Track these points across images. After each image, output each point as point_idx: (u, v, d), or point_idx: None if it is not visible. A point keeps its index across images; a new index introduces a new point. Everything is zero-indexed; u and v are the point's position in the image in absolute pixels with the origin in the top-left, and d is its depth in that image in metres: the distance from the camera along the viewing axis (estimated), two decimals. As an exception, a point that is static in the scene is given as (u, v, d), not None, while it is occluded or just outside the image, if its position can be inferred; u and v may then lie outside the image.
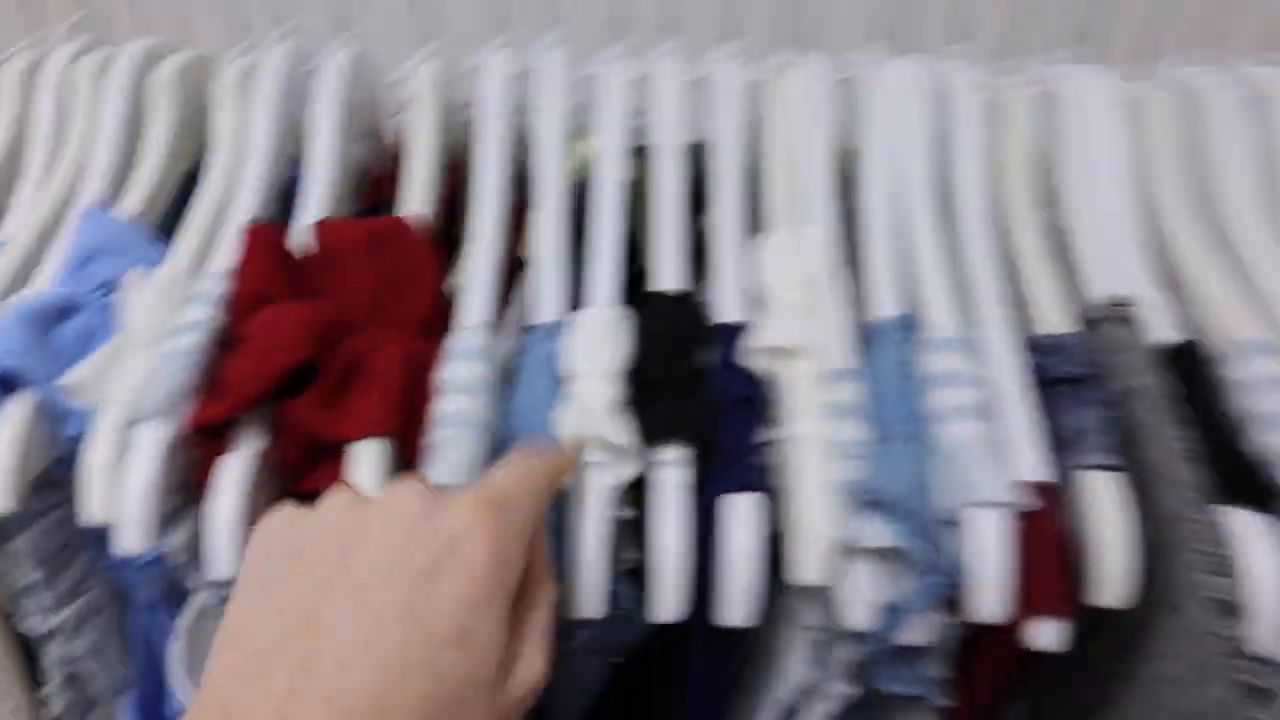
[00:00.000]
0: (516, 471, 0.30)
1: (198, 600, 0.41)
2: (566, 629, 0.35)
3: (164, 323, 0.39)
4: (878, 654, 0.34)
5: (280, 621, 0.25)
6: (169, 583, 0.42)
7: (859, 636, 0.34)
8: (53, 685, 0.45)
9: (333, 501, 0.28)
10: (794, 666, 0.37)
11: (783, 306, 0.37)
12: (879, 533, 0.32)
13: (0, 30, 0.70)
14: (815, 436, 0.34)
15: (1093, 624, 0.34)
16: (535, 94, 0.46)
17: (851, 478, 0.33)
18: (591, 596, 0.34)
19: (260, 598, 0.27)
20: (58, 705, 0.45)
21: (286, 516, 0.29)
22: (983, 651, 0.36)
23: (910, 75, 0.44)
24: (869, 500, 0.33)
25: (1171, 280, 0.41)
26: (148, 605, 0.44)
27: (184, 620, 0.42)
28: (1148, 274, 0.40)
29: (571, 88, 0.46)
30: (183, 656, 0.42)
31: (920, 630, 0.34)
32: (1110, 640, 0.35)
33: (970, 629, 0.34)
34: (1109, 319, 0.38)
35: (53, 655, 0.44)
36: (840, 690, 0.37)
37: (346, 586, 0.26)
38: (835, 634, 0.35)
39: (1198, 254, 0.41)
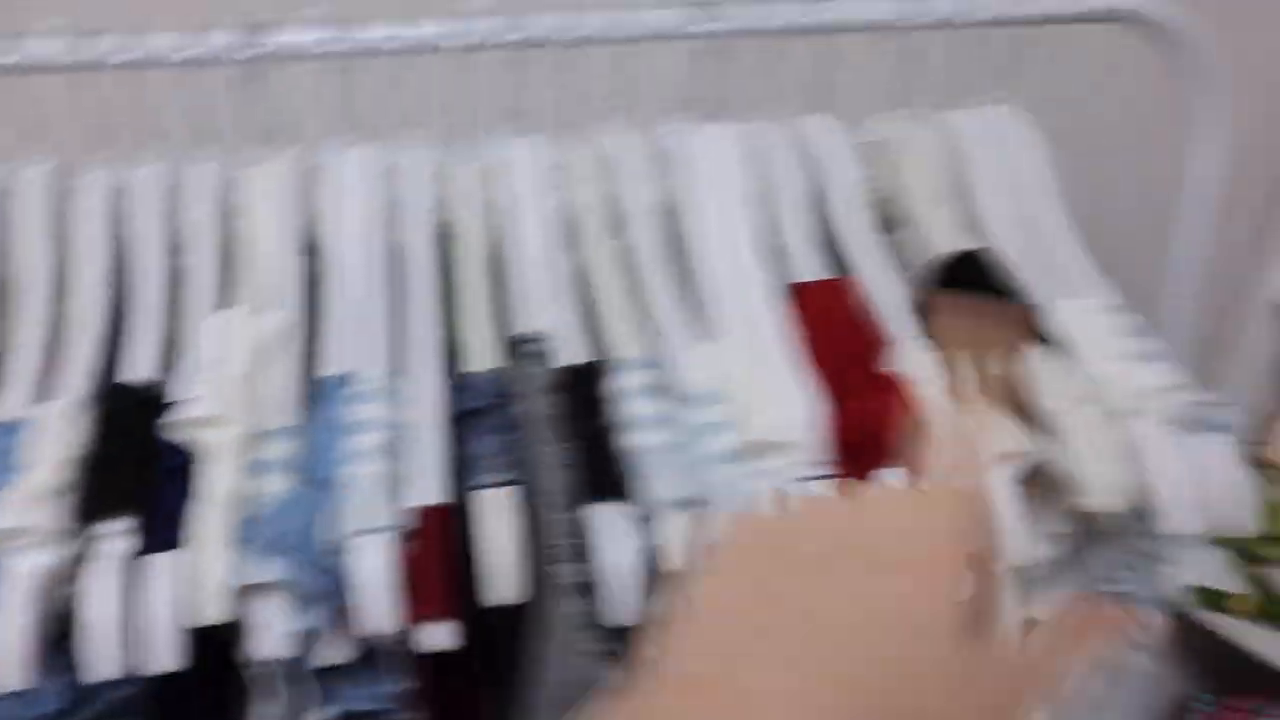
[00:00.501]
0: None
1: None
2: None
3: None
4: (295, 677, 0.39)
5: (771, 606, 0.27)
6: None
7: (281, 664, 0.39)
8: None
9: (816, 500, 0.31)
10: (260, 704, 0.41)
11: (209, 380, 0.42)
12: (266, 570, 0.37)
13: None
14: (222, 493, 0.39)
15: (502, 623, 0.40)
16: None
17: (248, 527, 0.38)
18: (14, 671, 0.37)
19: (744, 584, 0.28)
20: None
21: (763, 515, 0.30)
22: (424, 665, 0.41)
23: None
24: (261, 544, 0.38)
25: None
26: None
27: None
28: (571, 306, 0.47)
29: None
30: None
31: (333, 650, 0.39)
32: (520, 636, 0.41)
33: (396, 642, 0.40)
34: (520, 353, 0.45)
35: None
36: (317, 715, 0.41)
37: (841, 576, 0.27)
38: (277, 665, 0.39)
39: (610, 286, 0.48)
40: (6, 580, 0.37)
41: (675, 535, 0.39)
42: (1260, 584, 0.94)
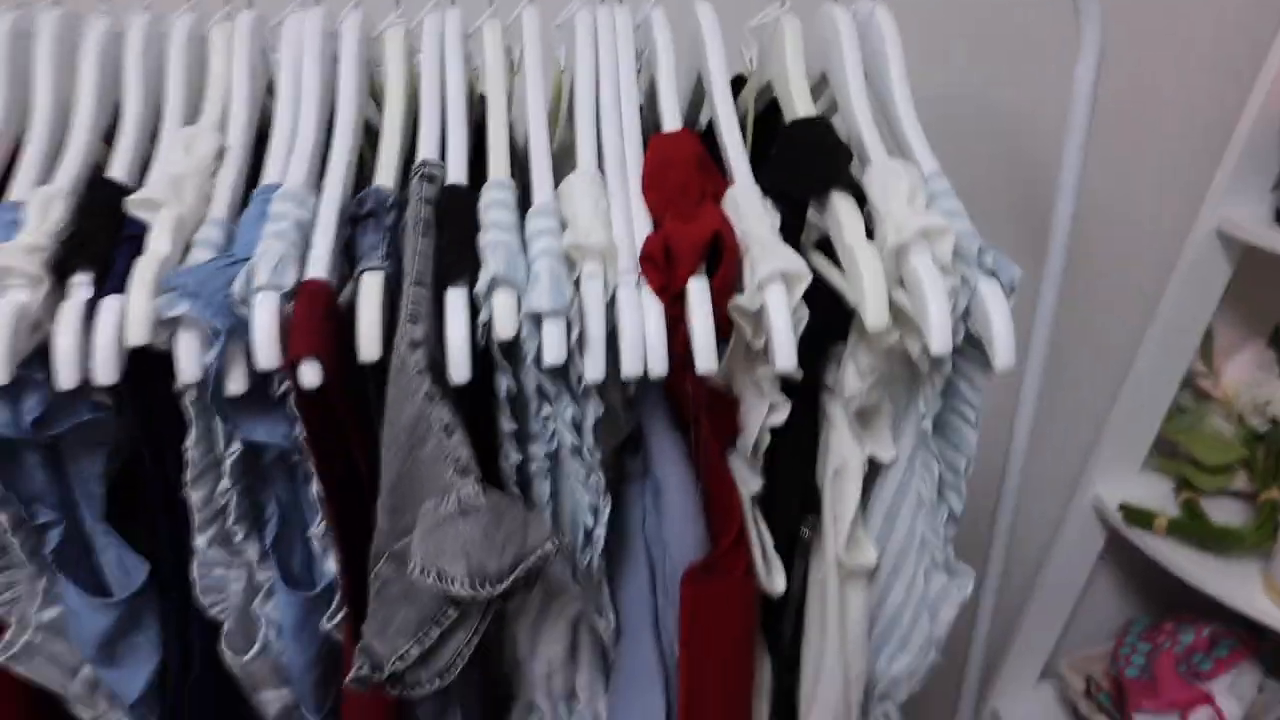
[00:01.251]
0: None
1: None
2: None
3: None
4: (207, 406, 0.51)
5: None
6: None
7: (196, 389, 0.50)
8: None
9: None
10: (189, 432, 0.53)
11: (162, 173, 0.54)
12: (180, 307, 0.49)
13: None
14: (158, 255, 0.51)
15: (369, 376, 0.51)
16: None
17: (171, 278, 0.50)
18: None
19: None
20: None
21: None
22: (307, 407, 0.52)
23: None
24: (177, 292, 0.49)
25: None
26: None
27: None
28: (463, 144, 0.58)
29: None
30: None
31: (236, 380, 0.50)
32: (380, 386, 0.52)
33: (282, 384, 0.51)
34: (414, 174, 0.55)
35: None
36: (227, 447, 0.53)
37: None
38: (194, 390, 0.51)
39: (498, 127, 0.58)
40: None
41: (501, 317, 0.49)
42: (1191, 509, 0.99)
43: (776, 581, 0.63)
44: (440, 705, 0.62)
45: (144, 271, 0.50)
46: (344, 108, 0.59)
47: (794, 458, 0.61)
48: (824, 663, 0.66)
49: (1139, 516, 0.97)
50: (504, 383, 0.53)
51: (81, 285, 0.52)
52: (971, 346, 0.55)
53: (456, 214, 0.53)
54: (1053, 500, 1.07)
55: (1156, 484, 1.03)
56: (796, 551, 0.64)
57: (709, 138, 0.60)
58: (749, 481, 0.60)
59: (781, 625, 0.67)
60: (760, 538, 0.62)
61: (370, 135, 0.62)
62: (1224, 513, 0.98)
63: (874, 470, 0.63)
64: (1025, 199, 0.93)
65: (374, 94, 0.64)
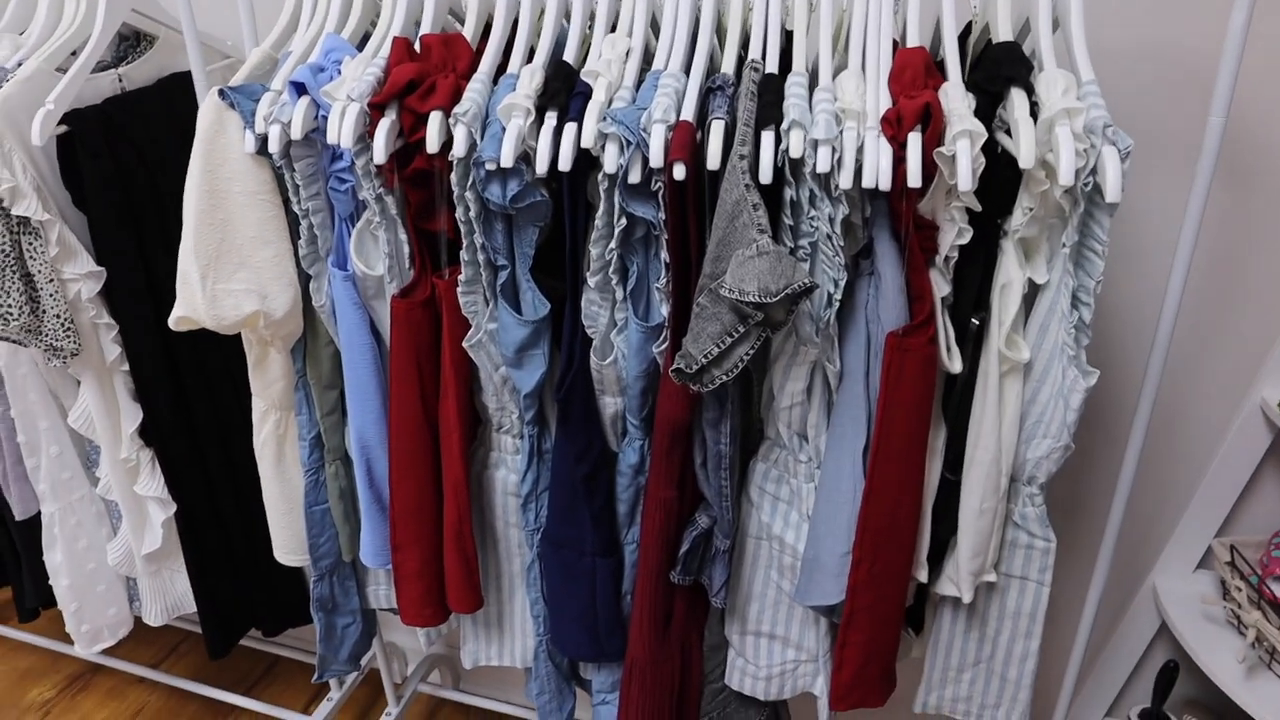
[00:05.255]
0: None
1: (365, 215, 1.05)
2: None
3: (359, 74, 1.03)
4: (613, 191, 0.93)
5: None
6: (354, 202, 1.07)
7: (610, 178, 0.93)
8: (302, 241, 1.10)
9: None
10: (595, 215, 0.96)
11: (600, 60, 0.97)
12: (609, 127, 0.91)
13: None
14: (598, 103, 0.93)
15: (710, 180, 0.92)
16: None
17: (605, 113, 0.92)
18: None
19: None
20: (302, 251, 1.10)
21: None
22: (672, 194, 0.93)
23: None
24: (608, 120, 0.91)
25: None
26: (344, 216, 1.09)
27: (359, 225, 1.06)
28: (776, 48, 0.97)
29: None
30: (354, 244, 1.06)
31: (634, 173, 0.92)
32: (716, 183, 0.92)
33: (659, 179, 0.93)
34: (744, 66, 0.95)
35: (303, 227, 1.09)
36: (618, 219, 0.96)
37: None
38: (609, 179, 0.94)
39: (799, 38, 0.97)
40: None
41: (794, 142, 0.88)
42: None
43: (954, 363, 0.98)
44: (718, 412, 1.02)
45: (592, 109, 0.93)
46: (702, 29, 1.01)
47: (974, 272, 0.96)
48: (982, 432, 1.00)
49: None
50: (788, 193, 0.92)
51: (551, 118, 0.96)
52: (1098, 194, 0.87)
53: (770, 89, 0.93)
54: (1226, 407, 1.32)
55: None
56: (968, 343, 0.98)
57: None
58: (940, 286, 0.96)
59: (954, 400, 1.02)
60: (944, 329, 0.97)
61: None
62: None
63: (1031, 293, 0.96)
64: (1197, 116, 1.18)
65: (718, 23, 1.05)
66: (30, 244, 1.21)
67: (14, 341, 1.23)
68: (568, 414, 1.07)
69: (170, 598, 1.56)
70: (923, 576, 1.09)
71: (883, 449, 0.99)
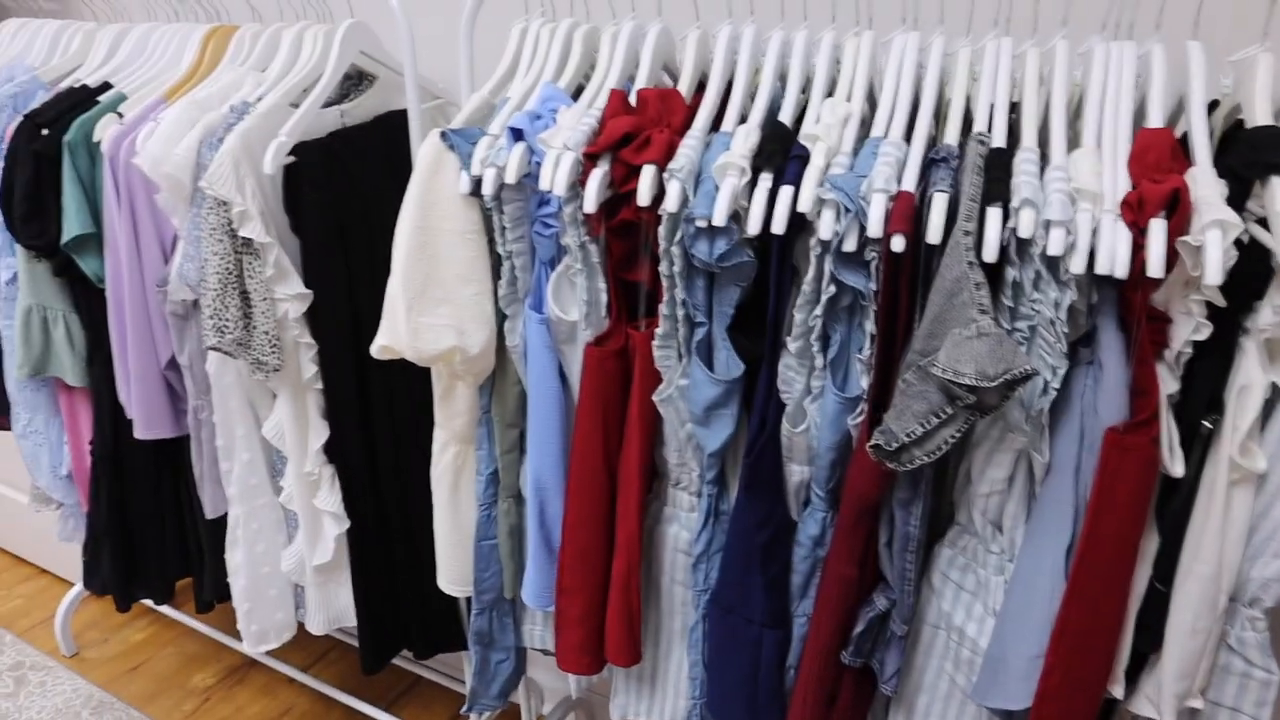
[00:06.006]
0: None
1: (565, 260, 1.06)
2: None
3: (575, 123, 1.05)
4: (825, 257, 0.91)
5: None
6: (556, 247, 1.09)
7: (823, 244, 0.91)
8: (503, 282, 1.13)
9: None
10: (804, 278, 0.95)
11: (822, 126, 0.96)
12: (828, 193, 0.89)
13: None
14: (816, 167, 0.92)
15: (930, 250, 0.89)
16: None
17: (824, 179, 0.91)
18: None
19: None
20: (501, 291, 1.13)
21: None
22: (887, 264, 0.91)
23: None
24: (827, 186, 0.90)
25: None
26: (544, 260, 1.11)
27: (558, 269, 1.08)
28: (1003, 126, 0.94)
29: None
30: (552, 289, 1.08)
31: (849, 242, 0.90)
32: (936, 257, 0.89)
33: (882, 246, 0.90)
34: (970, 139, 0.92)
35: (505, 268, 1.12)
36: (825, 289, 0.94)
37: None
38: (822, 245, 0.92)
39: (1028, 118, 0.93)
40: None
41: (1024, 222, 0.84)
42: None
43: (1177, 466, 0.91)
44: (911, 493, 0.98)
45: (811, 173, 0.92)
46: (925, 97, 0.98)
47: (1208, 371, 0.89)
48: (1203, 544, 0.93)
49: None
50: (1011, 274, 0.88)
51: (766, 179, 0.95)
52: (1368, 300, 0.80)
53: (998, 164, 0.90)
54: None
55: None
56: (1195, 446, 0.91)
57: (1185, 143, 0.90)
58: (1168, 383, 0.89)
59: (1173, 506, 0.95)
60: (1169, 429, 0.91)
61: (938, 117, 1.00)
62: None
63: (1273, 399, 0.89)
64: None
65: (941, 91, 1.02)
66: (250, 264, 1.28)
67: (225, 353, 1.31)
68: (755, 479, 1.05)
69: (334, 609, 1.61)
70: (1118, 692, 1.01)
71: (1090, 550, 0.93)
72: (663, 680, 1.30)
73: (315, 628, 1.63)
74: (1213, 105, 0.97)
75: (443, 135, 1.10)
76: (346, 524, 1.51)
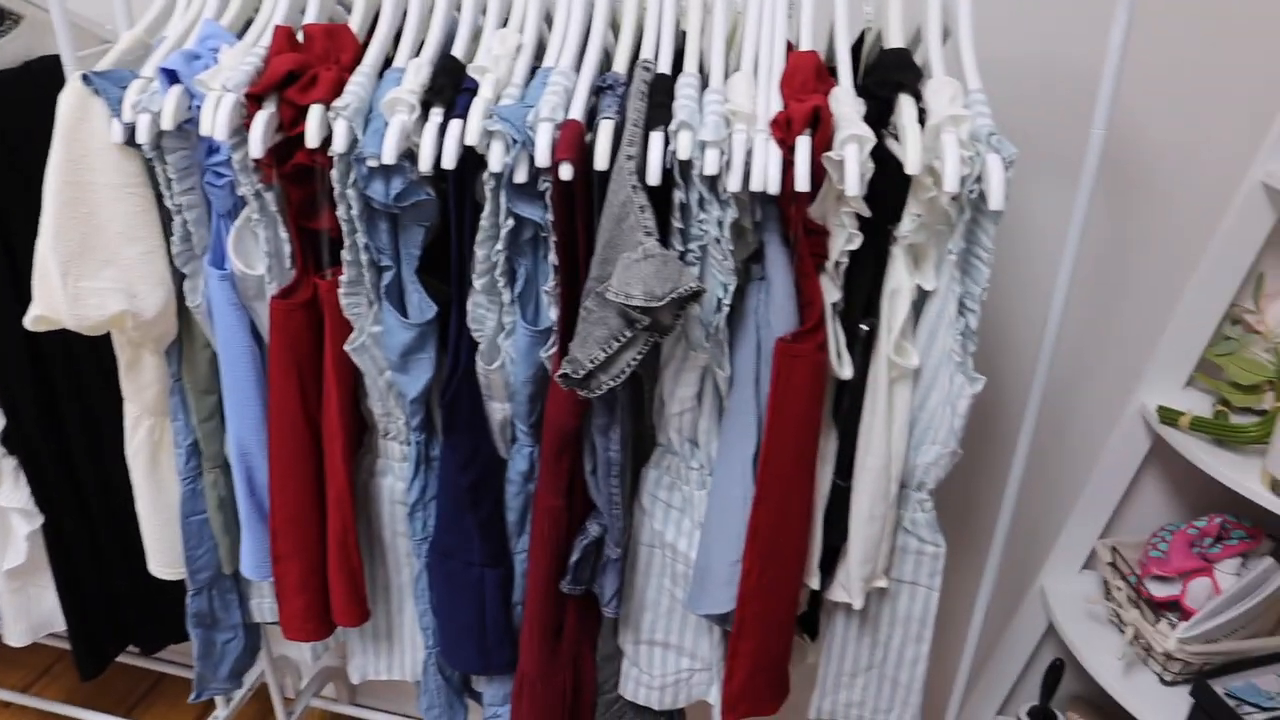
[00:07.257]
0: None
1: (244, 212, 1.00)
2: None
3: (237, 63, 0.99)
4: (499, 190, 0.91)
5: None
6: (233, 198, 1.02)
7: (495, 177, 0.91)
8: (175, 238, 1.05)
9: None
10: (481, 214, 0.94)
11: (487, 55, 0.95)
12: (494, 124, 0.89)
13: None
14: (484, 99, 0.91)
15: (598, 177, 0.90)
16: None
17: (491, 111, 0.90)
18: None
19: None
20: (175, 249, 1.05)
21: None
22: (557, 194, 0.92)
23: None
24: (495, 118, 0.89)
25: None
26: (221, 212, 1.04)
27: (238, 221, 1.01)
28: (670, 49, 0.96)
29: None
30: (233, 243, 1.02)
31: (520, 173, 0.90)
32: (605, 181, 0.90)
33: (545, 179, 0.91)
34: (637, 66, 0.94)
35: (176, 223, 1.04)
36: (504, 220, 0.94)
37: None
38: (494, 178, 0.92)
39: (693, 41, 0.96)
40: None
41: (682, 144, 0.87)
42: (1221, 416, 1.26)
43: (845, 369, 0.98)
44: (607, 419, 1.00)
45: (478, 106, 0.91)
46: (595, 25, 0.99)
47: (862, 278, 0.96)
48: (872, 439, 1.01)
49: (1169, 415, 1.24)
50: (679, 196, 0.91)
51: (437, 114, 0.93)
52: (983, 201, 0.88)
53: (661, 90, 0.92)
54: (1109, 413, 1.36)
55: (1197, 399, 1.29)
56: (857, 348, 0.99)
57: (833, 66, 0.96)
58: (830, 291, 0.96)
59: (845, 407, 1.02)
60: (835, 335, 0.97)
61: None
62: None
63: (920, 300, 0.97)
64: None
65: (613, 20, 1.03)
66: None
67: None
68: (453, 420, 1.04)
69: (36, 616, 1.48)
70: (814, 583, 1.09)
71: (772, 456, 0.99)
72: (399, 635, 1.28)
73: (15, 639, 1.48)
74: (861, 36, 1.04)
75: (85, 79, 1.00)
76: (40, 520, 1.38)
